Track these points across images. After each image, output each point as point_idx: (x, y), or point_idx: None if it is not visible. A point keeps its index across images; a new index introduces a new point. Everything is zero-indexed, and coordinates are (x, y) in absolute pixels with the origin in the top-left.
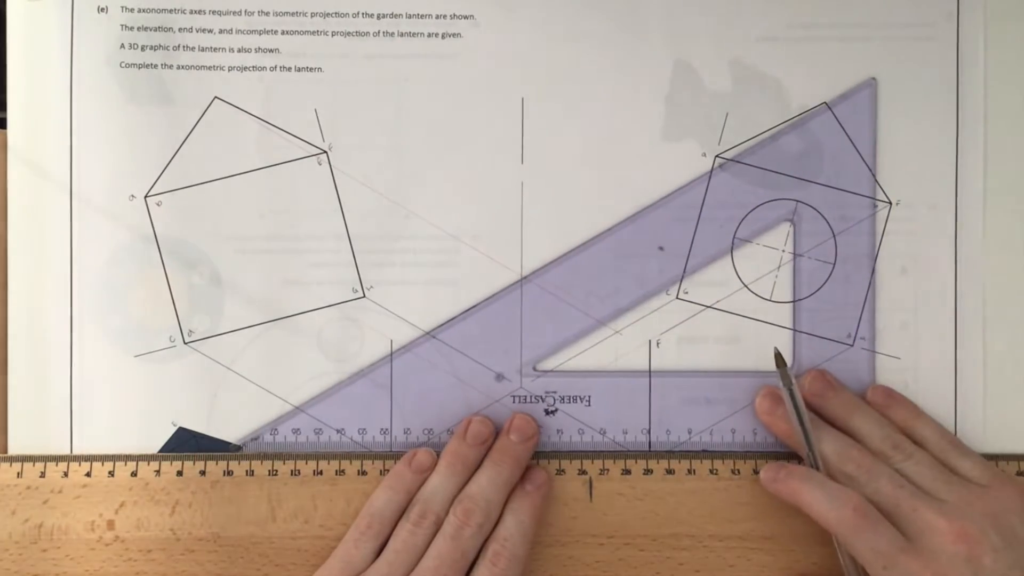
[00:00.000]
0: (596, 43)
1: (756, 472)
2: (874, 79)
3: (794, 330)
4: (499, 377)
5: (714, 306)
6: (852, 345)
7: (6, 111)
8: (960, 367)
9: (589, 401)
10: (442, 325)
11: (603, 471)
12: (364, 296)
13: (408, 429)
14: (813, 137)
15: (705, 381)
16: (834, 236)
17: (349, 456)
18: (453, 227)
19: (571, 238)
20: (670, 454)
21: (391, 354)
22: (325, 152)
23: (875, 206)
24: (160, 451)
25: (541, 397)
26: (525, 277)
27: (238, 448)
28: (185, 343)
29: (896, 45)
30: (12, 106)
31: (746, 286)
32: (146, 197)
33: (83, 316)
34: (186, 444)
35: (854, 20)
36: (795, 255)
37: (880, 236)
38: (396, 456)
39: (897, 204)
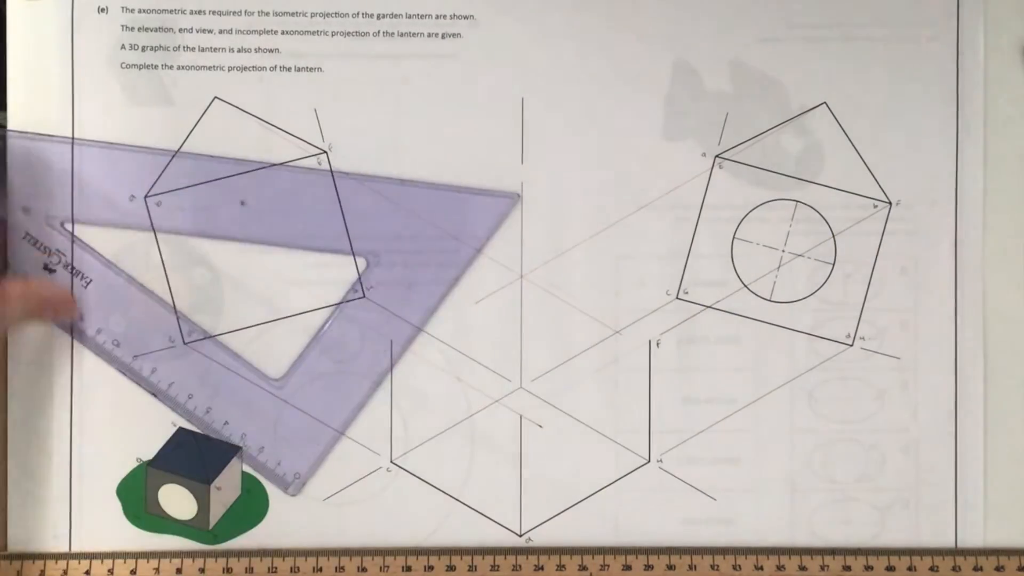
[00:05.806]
0: (596, 43)
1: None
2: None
3: (794, 330)
4: (500, 377)
5: (714, 306)
6: (852, 345)
7: (6, 111)
8: (960, 367)
9: None
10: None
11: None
12: (364, 296)
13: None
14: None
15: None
16: (834, 236)
17: (348, 552)
18: (453, 227)
19: (571, 238)
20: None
21: (391, 354)
22: (325, 152)
23: (875, 206)
24: (160, 451)
25: (542, 398)
26: (525, 277)
27: (238, 448)
28: (185, 343)
29: (896, 45)
30: (12, 106)
31: (746, 286)
32: (146, 197)
33: (83, 316)
34: (186, 444)
35: (854, 20)
36: (795, 255)
37: (880, 236)
38: (397, 552)
39: (897, 204)
